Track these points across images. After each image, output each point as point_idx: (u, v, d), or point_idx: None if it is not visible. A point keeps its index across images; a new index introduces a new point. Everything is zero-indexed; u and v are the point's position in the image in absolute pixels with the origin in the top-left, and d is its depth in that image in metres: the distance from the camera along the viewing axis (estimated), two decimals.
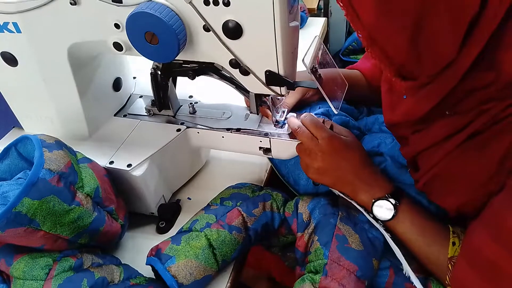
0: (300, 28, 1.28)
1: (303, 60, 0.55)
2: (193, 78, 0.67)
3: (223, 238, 0.60)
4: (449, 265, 0.53)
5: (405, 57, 0.44)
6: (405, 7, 0.40)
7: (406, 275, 0.56)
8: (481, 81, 0.45)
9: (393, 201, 0.58)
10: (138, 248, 0.68)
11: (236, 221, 0.62)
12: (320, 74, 0.57)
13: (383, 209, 0.58)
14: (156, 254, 0.59)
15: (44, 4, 0.56)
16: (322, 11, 1.71)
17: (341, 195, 0.63)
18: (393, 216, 0.58)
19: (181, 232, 0.63)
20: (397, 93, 0.60)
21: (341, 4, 0.44)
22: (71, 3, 0.55)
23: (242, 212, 0.63)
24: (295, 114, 0.69)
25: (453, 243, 0.54)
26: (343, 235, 0.58)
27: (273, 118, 0.68)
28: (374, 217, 0.59)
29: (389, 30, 0.43)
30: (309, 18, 1.29)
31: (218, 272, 0.62)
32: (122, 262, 0.62)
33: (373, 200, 0.59)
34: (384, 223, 0.59)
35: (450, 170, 0.53)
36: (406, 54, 0.44)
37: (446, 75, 0.46)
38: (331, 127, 0.65)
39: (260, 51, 0.53)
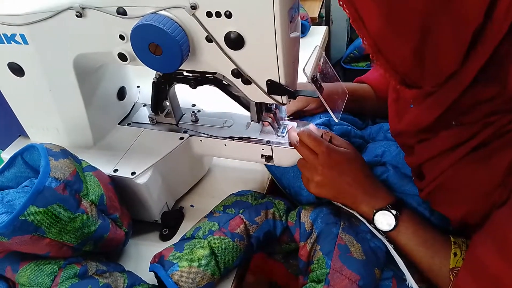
0: (303, 36, 1.30)
1: (303, 69, 0.56)
2: (194, 87, 0.68)
3: (226, 245, 0.61)
4: (451, 276, 0.53)
5: (409, 66, 0.45)
6: (410, 18, 0.41)
7: (409, 286, 0.57)
8: (486, 94, 0.46)
9: (394, 211, 0.58)
10: (141, 255, 0.69)
11: (238, 229, 0.63)
12: (320, 84, 0.58)
13: (384, 220, 0.59)
14: (159, 261, 0.60)
15: (51, 17, 0.57)
16: (324, 19, 1.73)
17: (343, 207, 0.64)
18: (394, 226, 0.58)
19: (184, 239, 0.64)
20: (403, 102, 0.60)
21: (347, 11, 0.44)
22: (77, 15, 0.56)
23: (244, 220, 0.64)
24: (295, 124, 0.70)
25: (455, 254, 0.54)
26: (345, 245, 0.58)
27: (275, 132, 0.69)
28: (376, 228, 0.60)
29: (394, 40, 0.43)
30: (311, 26, 1.31)
31: (220, 279, 0.63)
32: (126, 269, 0.63)
33: (374, 211, 0.59)
34: (386, 233, 0.59)
35: (455, 180, 0.53)
36: (410, 63, 0.44)
37: (450, 86, 0.47)
38: (331, 140, 0.65)
39: (262, 61, 0.54)
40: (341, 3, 0.44)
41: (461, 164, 0.52)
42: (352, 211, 0.63)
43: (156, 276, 0.61)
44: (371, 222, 0.60)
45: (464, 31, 0.41)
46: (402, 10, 0.40)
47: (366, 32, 0.44)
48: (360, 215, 0.62)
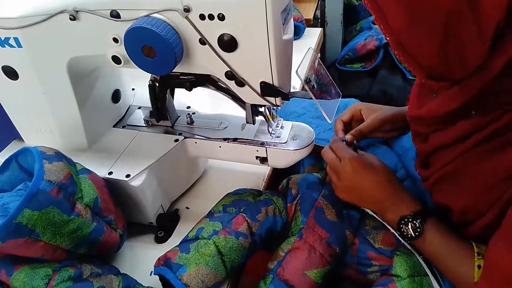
0: (298, 38, 1.30)
1: (296, 71, 0.56)
2: (190, 90, 0.68)
3: (231, 244, 0.61)
4: None
5: (434, 61, 0.45)
6: (434, 15, 0.41)
7: None
8: (510, 85, 0.46)
9: (418, 220, 0.57)
10: (136, 258, 0.69)
11: (241, 227, 0.63)
12: (313, 85, 0.58)
13: (409, 228, 0.58)
14: (165, 263, 0.59)
15: (44, 20, 0.57)
16: (319, 20, 1.73)
17: (372, 213, 0.64)
18: (419, 235, 0.57)
19: (187, 240, 0.64)
20: (427, 90, 0.60)
21: (370, 7, 0.45)
22: (70, 19, 0.56)
23: (246, 218, 0.65)
24: (290, 124, 0.71)
25: (479, 266, 0.52)
26: (321, 208, 0.65)
27: (269, 128, 0.69)
28: (402, 235, 0.59)
29: (417, 35, 0.43)
30: (306, 28, 1.31)
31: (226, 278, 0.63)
32: (121, 272, 0.63)
33: (399, 218, 0.59)
34: (411, 241, 0.58)
35: (463, 169, 0.54)
36: (434, 59, 0.44)
37: (476, 78, 0.47)
38: (355, 150, 0.66)
39: (255, 63, 0.55)
40: (365, 2, 0.45)
41: (471, 154, 0.52)
42: (380, 219, 0.63)
43: (161, 279, 0.60)
44: (396, 229, 0.59)
45: (487, 25, 0.41)
46: (426, 7, 0.41)
47: (389, 30, 0.44)
48: (387, 222, 0.61)
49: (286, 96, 0.58)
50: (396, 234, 0.60)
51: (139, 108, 0.81)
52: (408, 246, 0.60)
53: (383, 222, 0.62)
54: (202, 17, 0.52)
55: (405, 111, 0.71)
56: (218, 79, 0.61)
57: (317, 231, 0.62)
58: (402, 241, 0.60)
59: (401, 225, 0.58)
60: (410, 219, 0.57)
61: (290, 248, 0.62)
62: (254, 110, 0.67)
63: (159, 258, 0.61)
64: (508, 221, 0.47)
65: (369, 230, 0.64)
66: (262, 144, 0.69)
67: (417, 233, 0.57)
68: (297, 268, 0.59)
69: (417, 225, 0.57)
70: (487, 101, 0.49)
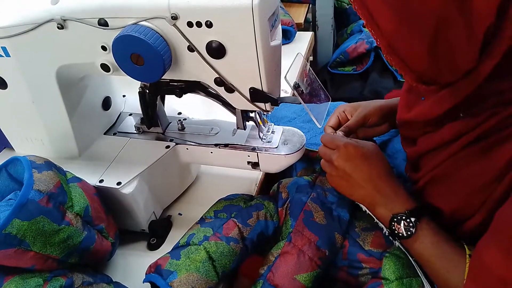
0: (289, 42, 1.31)
1: (285, 77, 0.56)
2: (180, 96, 0.68)
3: (222, 249, 0.61)
4: None
5: (424, 65, 0.45)
6: (423, 17, 0.41)
7: None
8: (498, 88, 0.47)
9: (412, 218, 0.55)
10: (129, 266, 0.69)
11: (232, 232, 0.63)
12: (302, 90, 0.59)
13: (402, 226, 0.55)
14: (155, 270, 0.59)
15: (32, 29, 0.57)
16: (310, 24, 1.74)
17: (364, 208, 0.62)
18: (411, 234, 0.55)
19: (178, 247, 0.63)
20: (415, 94, 0.60)
21: (360, 13, 0.45)
22: (58, 27, 0.56)
23: (237, 223, 0.65)
24: (281, 128, 0.72)
25: None
26: (310, 211, 0.65)
27: (260, 133, 0.69)
28: (393, 233, 0.57)
29: (408, 39, 0.43)
30: (297, 32, 1.32)
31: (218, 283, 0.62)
32: (113, 280, 0.63)
33: (392, 215, 0.56)
34: (401, 240, 0.57)
35: (452, 171, 0.54)
36: (425, 62, 0.44)
37: (465, 81, 0.47)
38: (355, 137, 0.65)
39: (244, 69, 0.55)
40: (355, 7, 0.45)
41: (461, 156, 0.52)
42: (371, 214, 0.61)
43: (153, 286, 0.60)
44: (387, 226, 0.58)
45: (477, 29, 0.41)
46: (416, 10, 0.41)
47: (379, 33, 0.45)
48: (378, 219, 0.60)
49: (275, 101, 0.58)
50: (386, 231, 0.59)
51: (130, 115, 0.81)
52: (401, 246, 0.59)
53: (376, 220, 0.61)
54: (190, 24, 0.52)
55: (388, 103, 0.71)
56: (208, 85, 0.61)
57: (305, 234, 0.62)
58: (392, 239, 0.59)
59: (393, 223, 0.56)
60: (403, 217, 0.55)
61: (279, 252, 0.62)
62: (245, 116, 0.67)
63: (150, 265, 0.61)
64: (497, 224, 0.47)
65: (358, 232, 0.64)
66: (253, 149, 0.69)
67: (409, 233, 0.55)
68: (287, 273, 0.59)
69: (410, 224, 0.55)
70: (476, 103, 0.50)
